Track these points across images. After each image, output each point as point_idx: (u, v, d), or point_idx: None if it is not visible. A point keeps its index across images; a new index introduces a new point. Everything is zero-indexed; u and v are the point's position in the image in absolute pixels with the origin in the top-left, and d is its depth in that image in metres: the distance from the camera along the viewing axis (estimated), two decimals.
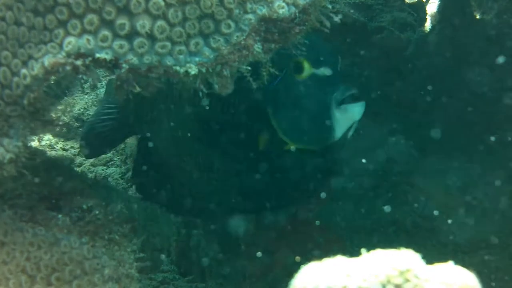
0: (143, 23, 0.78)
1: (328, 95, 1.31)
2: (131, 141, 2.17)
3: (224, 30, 0.81)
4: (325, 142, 1.36)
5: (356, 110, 1.30)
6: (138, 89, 0.81)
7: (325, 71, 1.33)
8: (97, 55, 0.78)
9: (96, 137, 1.65)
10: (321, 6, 0.87)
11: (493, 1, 1.26)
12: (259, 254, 1.61)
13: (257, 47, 0.83)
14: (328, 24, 0.88)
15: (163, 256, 1.59)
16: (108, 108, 1.64)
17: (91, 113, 2.40)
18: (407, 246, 0.61)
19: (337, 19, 0.89)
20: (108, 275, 0.97)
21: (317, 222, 1.62)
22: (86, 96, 2.49)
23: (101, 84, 2.32)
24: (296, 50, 0.89)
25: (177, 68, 0.80)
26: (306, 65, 1.32)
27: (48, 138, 2.27)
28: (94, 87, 2.38)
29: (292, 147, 1.39)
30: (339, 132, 1.33)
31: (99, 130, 1.63)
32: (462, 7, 1.63)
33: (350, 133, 1.35)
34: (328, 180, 1.56)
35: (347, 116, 1.31)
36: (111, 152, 2.27)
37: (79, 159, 2.25)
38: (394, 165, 1.70)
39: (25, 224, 0.95)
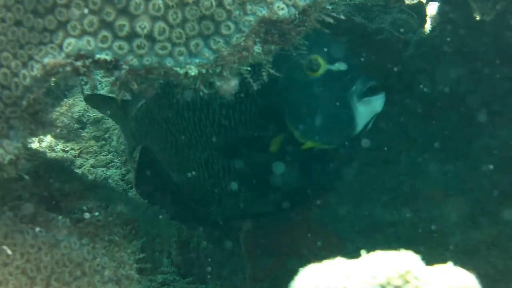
0: (143, 24, 0.78)
1: (347, 89, 1.29)
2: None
3: (224, 31, 0.81)
4: (347, 138, 1.34)
5: (378, 102, 1.28)
6: (136, 88, 0.80)
7: (340, 66, 1.30)
8: (97, 56, 0.78)
9: None
10: (321, 7, 0.87)
11: (494, 3, 1.26)
12: (259, 255, 1.61)
13: (257, 48, 0.83)
14: (331, 20, 0.87)
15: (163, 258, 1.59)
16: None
17: (90, 115, 2.41)
18: (407, 247, 0.61)
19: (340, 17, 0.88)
20: (108, 277, 0.97)
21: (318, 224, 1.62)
22: None
23: (101, 86, 2.33)
24: (296, 51, 0.89)
25: (177, 69, 0.80)
26: (321, 62, 1.30)
27: (48, 139, 2.27)
28: (94, 89, 2.39)
29: (310, 146, 1.35)
30: (361, 125, 1.31)
31: None
32: (462, 8, 1.62)
33: (369, 126, 1.33)
34: (343, 172, 1.54)
35: (370, 109, 1.29)
36: (111, 153, 2.28)
37: (79, 161, 2.26)
38: (395, 166, 1.69)
39: (25, 226, 0.95)
